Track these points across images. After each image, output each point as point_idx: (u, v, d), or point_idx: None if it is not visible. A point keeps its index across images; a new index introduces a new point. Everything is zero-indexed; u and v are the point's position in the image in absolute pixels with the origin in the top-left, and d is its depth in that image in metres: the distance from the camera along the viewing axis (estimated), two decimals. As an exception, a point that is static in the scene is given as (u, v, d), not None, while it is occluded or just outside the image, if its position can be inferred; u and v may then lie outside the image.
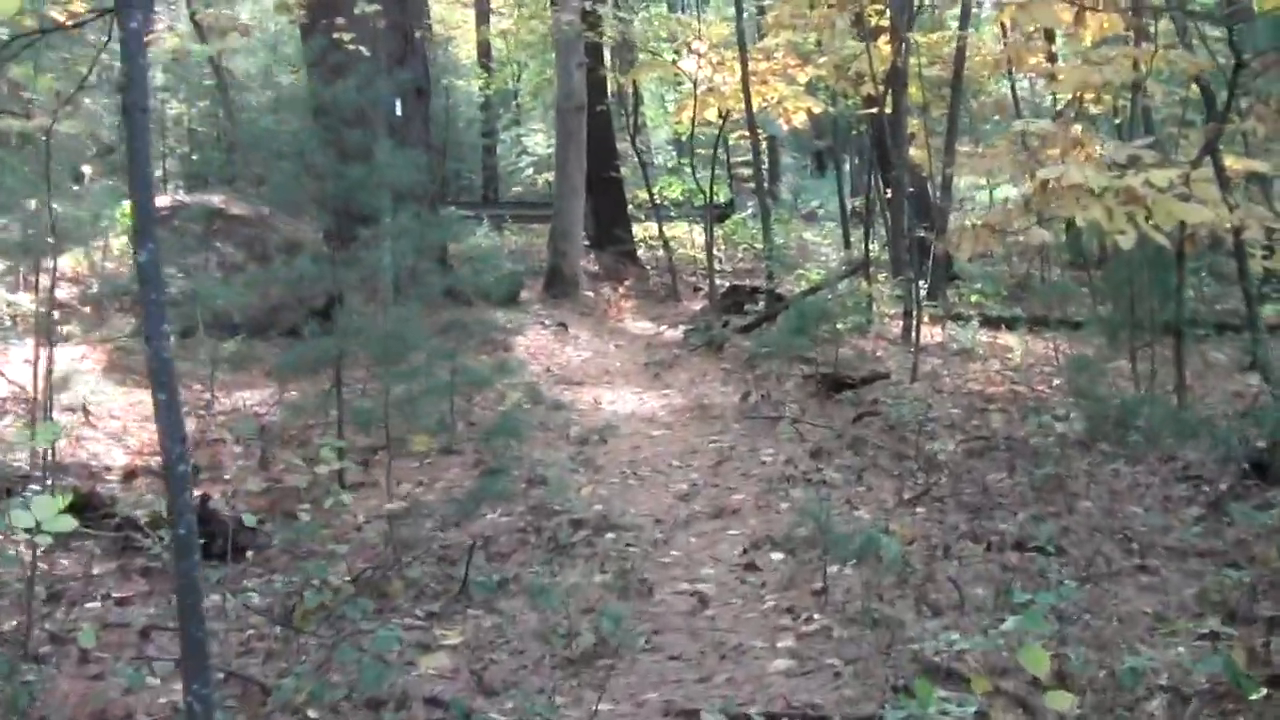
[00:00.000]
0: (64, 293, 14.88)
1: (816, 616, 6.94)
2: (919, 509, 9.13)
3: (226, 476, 9.64)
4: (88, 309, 14.32)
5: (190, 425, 10.86)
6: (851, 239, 24.56)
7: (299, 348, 9.13)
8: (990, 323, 17.11)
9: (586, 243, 21.38)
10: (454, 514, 8.28)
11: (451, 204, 20.92)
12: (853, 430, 11.22)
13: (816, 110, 21.68)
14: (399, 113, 16.90)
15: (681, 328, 17.06)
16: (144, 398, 11.86)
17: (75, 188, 15.83)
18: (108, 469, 9.57)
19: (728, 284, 20.06)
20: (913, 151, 20.83)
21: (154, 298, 4.59)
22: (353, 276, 9.91)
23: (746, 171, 31.88)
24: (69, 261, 16.55)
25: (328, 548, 8.06)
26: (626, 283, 19.68)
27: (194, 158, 26.45)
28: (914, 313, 15.13)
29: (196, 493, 8.62)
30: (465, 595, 7.31)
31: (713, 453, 10.82)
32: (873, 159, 22.76)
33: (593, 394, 13.54)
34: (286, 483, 9.21)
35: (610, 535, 8.55)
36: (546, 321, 17.22)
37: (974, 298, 18.33)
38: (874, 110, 20.80)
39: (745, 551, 8.29)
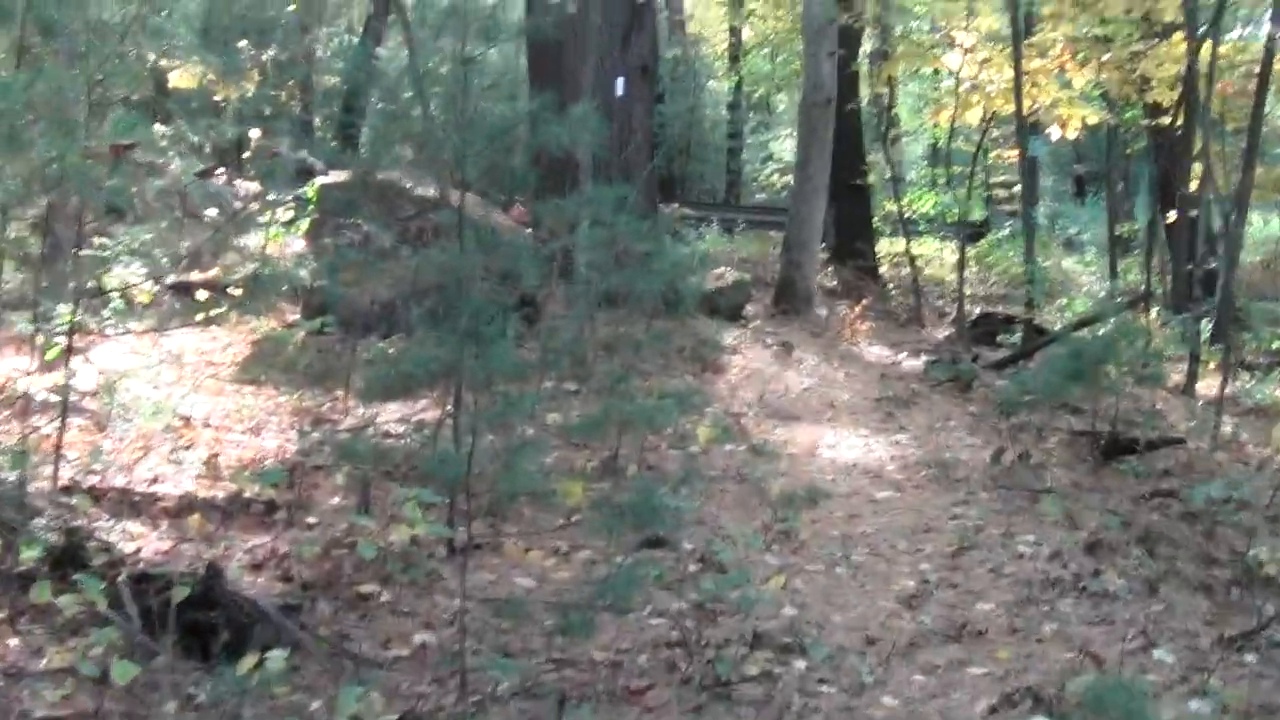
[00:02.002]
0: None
1: None
2: (1248, 656, 6.06)
3: (311, 520, 7.04)
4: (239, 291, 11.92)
5: (288, 447, 8.38)
6: (1118, 269, 21.17)
7: (390, 361, 6.45)
8: (1288, 374, 13.76)
9: (824, 255, 18.40)
10: (577, 614, 5.49)
11: (678, 203, 18.30)
12: (1140, 516, 8.12)
13: (1092, 120, 18.34)
14: (621, 93, 14.32)
15: (923, 358, 14.05)
16: (267, 403, 9.45)
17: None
18: (156, 499, 7.00)
19: (978, 311, 16.97)
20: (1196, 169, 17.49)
21: None
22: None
23: (1001, 193, 28.72)
24: (256, 240, 14.41)
25: (388, 652, 5.43)
26: (865, 302, 16.63)
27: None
28: (1221, 361, 11.87)
29: (205, 556, 6.13)
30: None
31: (953, 533, 7.83)
32: (1153, 177, 19.37)
33: (810, 433, 10.65)
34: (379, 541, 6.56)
35: (799, 664, 5.68)
36: (769, 340, 14.35)
37: (1275, 344, 14.77)
38: (1159, 121, 17.67)
39: (993, 711, 5.36)
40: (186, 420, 8.63)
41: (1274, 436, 10.63)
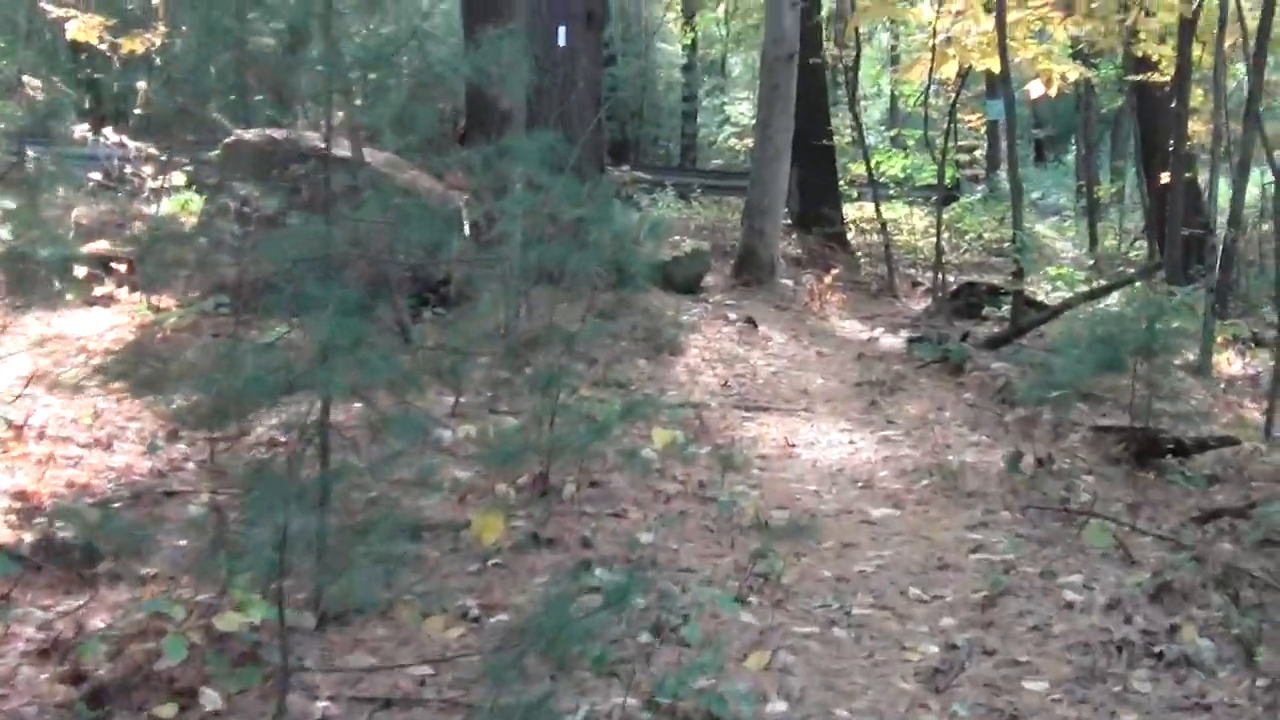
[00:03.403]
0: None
1: None
2: None
3: (149, 571, 5.12)
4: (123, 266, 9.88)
5: (140, 465, 6.47)
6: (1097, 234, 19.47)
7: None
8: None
9: (787, 222, 16.50)
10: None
11: (628, 167, 16.36)
12: (1210, 546, 6.26)
13: (1072, 76, 16.49)
14: (563, 41, 12.39)
15: (904, 334, 12.22)
16: (132, 405, 7.48)
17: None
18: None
19: (956, 280, 15.13)
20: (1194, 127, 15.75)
21: None
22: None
23: (963, 158, 27.00)
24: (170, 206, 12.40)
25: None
26: (834, 272, 14.76)
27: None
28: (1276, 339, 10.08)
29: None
30: None
31: (977, 573, 5.97)
32: (1136, 136, 17.61)
33: (782, 428, 8.80)
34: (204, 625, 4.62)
35: (797, 806, 3.83)
36: (732, 315, 12.48)
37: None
38: (1148, 75, 15.92)
39: None
40: (18, 431, 6.71)
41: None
